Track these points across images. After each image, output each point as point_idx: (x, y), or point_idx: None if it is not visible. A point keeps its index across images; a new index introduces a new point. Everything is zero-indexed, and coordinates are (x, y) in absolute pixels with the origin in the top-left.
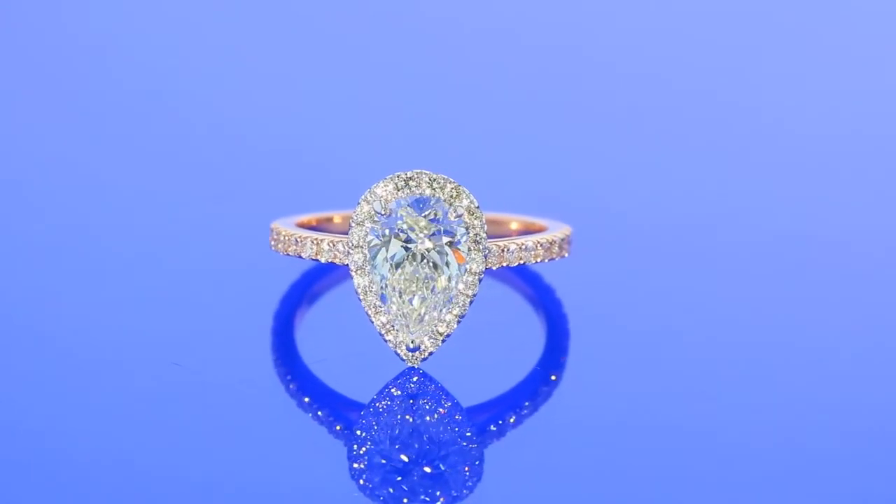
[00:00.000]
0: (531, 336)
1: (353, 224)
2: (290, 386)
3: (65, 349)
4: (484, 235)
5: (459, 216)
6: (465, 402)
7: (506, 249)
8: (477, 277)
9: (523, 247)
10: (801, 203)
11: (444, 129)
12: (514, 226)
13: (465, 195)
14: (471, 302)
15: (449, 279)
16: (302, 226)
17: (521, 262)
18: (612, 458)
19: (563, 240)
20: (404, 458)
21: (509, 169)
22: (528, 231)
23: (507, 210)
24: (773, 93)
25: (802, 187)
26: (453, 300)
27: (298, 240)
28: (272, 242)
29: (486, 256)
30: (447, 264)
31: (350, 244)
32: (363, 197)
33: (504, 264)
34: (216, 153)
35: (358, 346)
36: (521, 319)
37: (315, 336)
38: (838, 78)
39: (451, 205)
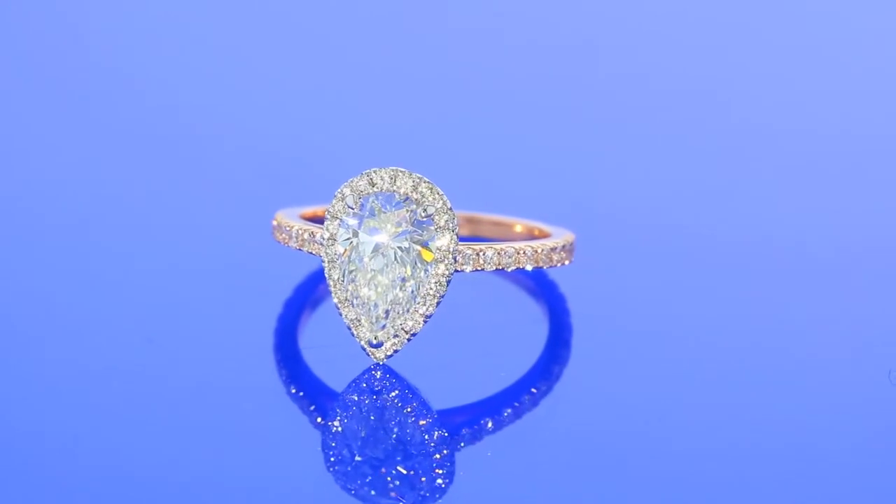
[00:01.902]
0: (531, 343)
1: (328, 217)
2: (282, 374)
3: (69, 344)
4: (454, 237)
5: (430, 216)
6: (449, 404)
7: (481, 253)
8: (445, 278)
9: (503, 252)
10: (806, 208)
11: (470, 132)
12: (518, 228)
13: (438, 195)
14: (438, 302)
15: (414, 278)
16: (307, 217)
17: (500, 267)
18: (588, 465)
19: (552, 248)
20: (361, 432)
21: (534, 175)
22: (530, 236)
23: (523, 215)
24: (779, 98)
25: (808, 192)
26: (420, 299)
27: (288, 229)
28: (273, 231)
29: (455, 258)
30: (414, 263)
31: (323, 236)
32: (338, 190)
33: (478, 268)
34: (240, 146)
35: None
36: (525, 326)
37: (318, 326)
38: (842, 80)
39: (421, 204)
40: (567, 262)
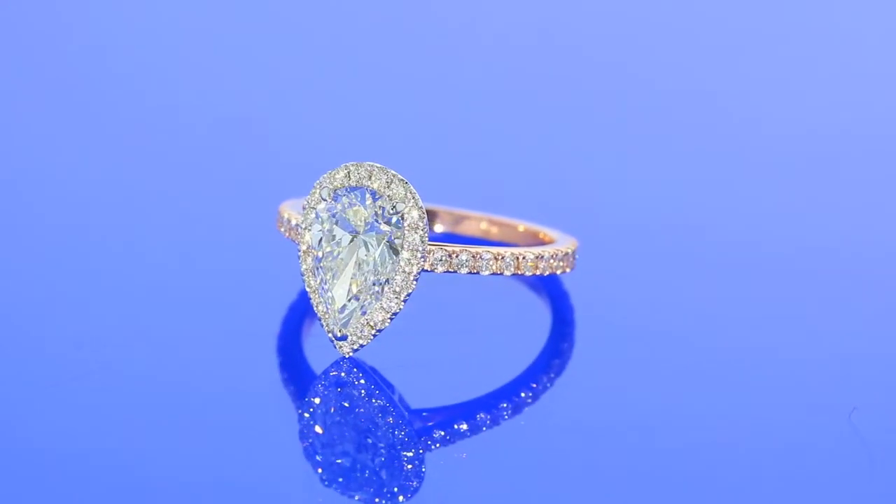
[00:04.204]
0: (529, 344)
1: (304, 207)
2: (279, 363)
3: (72, 340)
4: (424, 236)
5: (398, 212)
6: (430, 403)
7: (454, 255)
8: (412, 277)
9: (478, 256)
10: (811, 211)
11: (481, 134)
12: (520, 229)
13: (410, 194)
14: (405, 299)
15: (383, 273)
16: None
17: (474, 271)
18: (573, 469)
19: (538, 256)
20: (318, 429)
21: (544, 179)
22: (534, 240)
23: (532, 219)
24: (782, 102)
25: (812, 195)
26: (387, 295)
27: (280, 218)
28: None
29: (424, 257)
30: (383, 259)
31: (300, 227)
32: (316, 182)
33: (451, 270)
34: (253, 139)
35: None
36: (527, 329)
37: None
38: (843, 81)
39: (391, 200)
40: (560, 272)
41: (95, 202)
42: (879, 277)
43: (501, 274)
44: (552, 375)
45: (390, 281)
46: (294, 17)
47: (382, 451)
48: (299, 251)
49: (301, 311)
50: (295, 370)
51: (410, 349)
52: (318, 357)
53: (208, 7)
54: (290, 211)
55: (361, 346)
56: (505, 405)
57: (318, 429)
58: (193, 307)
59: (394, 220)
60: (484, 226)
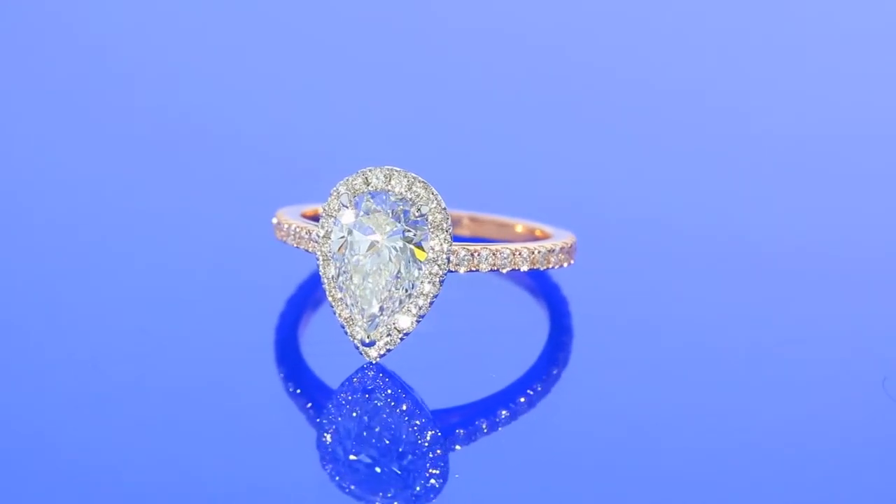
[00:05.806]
0: (529, 344)
1: (323, 214)
2: (280, 371)
3: (70, 343)
4: (448, 237)
5: (423, 215)
6: (446, 404)
7: (476, 254)
8: (438, 278)
9: (498, 253)
10: (807, 209)
11: (475, 133)
12: (518, 229)
13: (432, 195)
14: (431, 302)
15: (408, 277)
16: (308, 215)
17: (495, 268)
18: (584, 467)
19: (550, 250)
20: (354, 431)
21: (538, 176)
22: (531, 237)
23: (526, 216)
24: (780, 100)
25: (808, 193)
26: (413, 299)
27: (286, 227)
28: (273, 229)
29: (449, 258)
30: (408, 262)
31: (318, 234)
32: (334, 189)
33: (473, 269)
34: (245, 144)
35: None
36: (525, 327)
37: (319, 323)
38: (842, 81)
39: (415, 203)
40: (566, 265)
41: (93, 205)
42: (879, 277)
43: (518, 269)
44: (559, 369)
45: (416, 284)
46: (290, 22)
47: (408, 453)
48: (318, 260)
49: (305, 316)
50: (315, 377)
51: (411, 351)
52: (330, 362)
53: (207, 11)
54: (297, 220)
55: (389, 350)
56: (523, 399)
57: (351, 433)
58: (193, 310)
59: (417, 223)
60: (466, 222)
